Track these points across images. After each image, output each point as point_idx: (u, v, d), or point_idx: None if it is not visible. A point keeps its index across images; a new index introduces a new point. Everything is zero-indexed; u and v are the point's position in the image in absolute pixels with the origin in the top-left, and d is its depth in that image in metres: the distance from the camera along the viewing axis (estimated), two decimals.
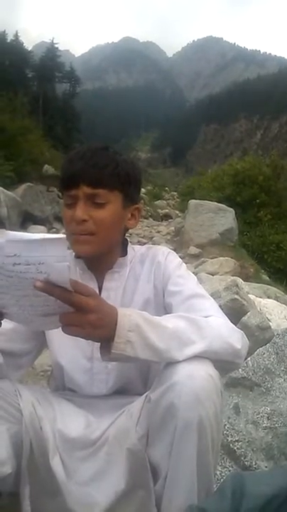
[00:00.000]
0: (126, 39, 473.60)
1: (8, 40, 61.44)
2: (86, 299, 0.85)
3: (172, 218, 16.68)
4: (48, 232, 10.33)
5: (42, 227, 10.27)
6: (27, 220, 10.81)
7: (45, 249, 0.76)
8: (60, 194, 14.26)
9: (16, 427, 1.12)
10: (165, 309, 1.20)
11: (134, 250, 1.30)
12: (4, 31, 62.98)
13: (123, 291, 1.25)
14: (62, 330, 0.87)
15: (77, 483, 1.11)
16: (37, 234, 0.77)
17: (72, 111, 53.50)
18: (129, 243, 1.31)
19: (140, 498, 1.08)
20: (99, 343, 0.95)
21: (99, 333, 0.89)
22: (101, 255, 1.19)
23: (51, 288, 0.80)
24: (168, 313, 1.16)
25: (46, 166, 14.71)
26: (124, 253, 1.28)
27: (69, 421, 1.17)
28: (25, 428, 1.12)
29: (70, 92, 59.45)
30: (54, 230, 11.26)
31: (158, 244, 8.76)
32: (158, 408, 0.98)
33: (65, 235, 0.77)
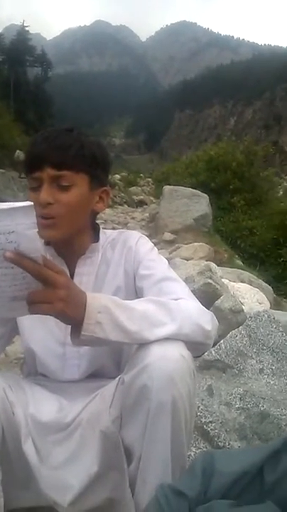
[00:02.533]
0: (99, 22, 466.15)
1: None
2: (56, 275, 0.84)
3: (147, 204, 16.66)
4: None
5: None
6: None
7: (14, 218, 0.75)
8: None
9: None
10: (137, 293, 1.20)
11: (106, 235, 1.29)
12: None
13: (96, 277, 1.24)
14: (29, 311, 0.85)
15: (50, 467, 1.11)
16: (4, 203, 0.76)
17: (43, 95, 52.58)
18: (101, 228, 1.30)
19: (113, 479, 1.09)
20: (70, 329, 0.95)
21: (68, 311, 0.87)
22: (70, 240, 1.18)
23: (21, 259, 0.78)
24: (139, 298, 1.17)
25: (18, 151, 14.45)
26: (96, 239, 1.26)
27: (41, 405, 1.16)
28: None
29: (42, 77, 58.38)
30: None
31: (133, 230, 8.78)
32: (131, 390, 0.98)
33: (32, 203, 0.76)
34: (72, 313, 0.89)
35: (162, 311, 1.00)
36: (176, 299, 1.07)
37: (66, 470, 1.10)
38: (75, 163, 1.12)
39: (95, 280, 1.23)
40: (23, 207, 0.75)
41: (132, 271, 1.22)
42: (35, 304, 0.84)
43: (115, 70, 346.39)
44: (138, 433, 0.99)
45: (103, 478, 1.09)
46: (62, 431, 1.14)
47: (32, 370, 1.30)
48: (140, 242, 1.26)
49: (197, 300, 1.14)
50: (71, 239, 1.17)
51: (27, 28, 62.61)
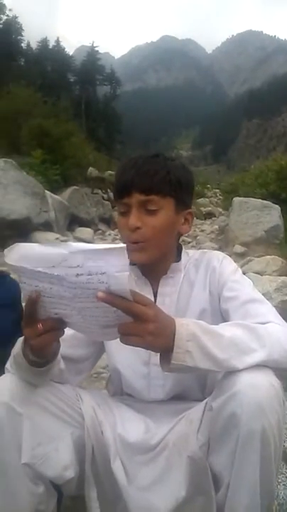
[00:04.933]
0: (165, 38, 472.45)
1: (50, 47, 62.72)
2: (145, 309, 0.86)
3: (215, 216, 16.52)
4: (94, 233, 10.49)
5: (88, 229, 10.43)
6: (73, 223, 11.01)
7: (107, 259, 0.77)
8: (104, 196, 14.49)
9: (78, 432, 1.15)
10: (222, 316, 1.20)
11: (188, 255, 1.31)
12: (45, 38, 64.37)
13: (178, 297, 1.25)
14: (121, 340, 0.88)
15: (137, 487, 1.13)
16: (98, 244, 0.79)
17: (112, 113, 53.96)
18: (183, 248, 1.32)
19: (201, 505, 1.09)
20: (160, 355, 0.96)
21: (157, 343, 0.89)
22: (156, 261, 1.21)
23: (112, 298, 0.81)
24: (224, 320, 1.16)
25: (90, 168, 14.94)
26: (178, 258, 1.28)
27: (128, 426, 1.19)
28: (87, 433, 1.15)
29: (111, 94, 59.98)
30: (99, 231, 11.43)
31: (203, 243, 8.71)
32: (220, 417, 0.98)
33: (125, 245, 0.78)
34: (161, 345, 0.90)
35: (250, 336, 0.99)
36: (264, 323, 1.06)
37: (153, 492, 1.11)
38: (162, 188, 1.15)
39: (177, 301, 1.25)
40: (116, 249, 0.77)
41: (217, 293, 1.22)
42: (125, 336, 0.87)
43: (181, 83, 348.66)
44: (227, 460, 0.98)
45: (190, 504, 1.09)
46: (149, 452, 1.16)
47: (118, 390, 1.33)
48: (224, 263, 1.26)
49: (284, 321, 1.12)
50: (156, 260, 1.20)
51: (96, 49, 64.91)
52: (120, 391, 1.33)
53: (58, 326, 0.92)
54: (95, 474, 1.17)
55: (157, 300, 1.23)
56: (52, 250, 0.80)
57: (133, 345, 0.88)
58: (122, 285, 0.80)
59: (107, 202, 14.39)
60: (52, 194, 10.20)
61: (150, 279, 1.26)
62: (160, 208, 1.16)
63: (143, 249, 1.16)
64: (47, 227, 9.02)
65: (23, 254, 0.82)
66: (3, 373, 1.15)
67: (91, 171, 14.85)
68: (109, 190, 14.95)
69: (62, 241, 8.47)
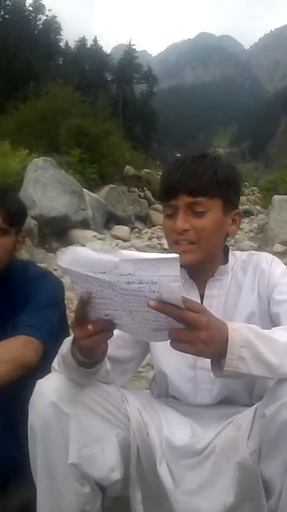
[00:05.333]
0: (202, 34, 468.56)
1: (88, 46, 63.39)
2: (197, 316, 0.84)
3: (253, 215, 16.25)
4: (131, 231, 10.52)
5: (125, 228, 10.48)
6: (110, 221, 11.09)
7: (158, 269, 0.76)
8: (140, 194, 14.53)
9: (124, 433, 1.14)
10: (271, 319, 1.17)
11: (235, 257, 1.28)
12: (83, 37, 65.12)
13: (226, 299, 1.23)
14: (171, 345, 0.86)
15: (183, 491, 1.11)
16: (150, 253, 0.77)
17: (149, 111, 53.98)
18: (230, 250, 1.29)
19: None
20: (211, 361, 0.94)
21: (209, 350, 0.87)
22: (203, 263, 1.18)
23: (163, 306, 0.79)
24: (274, 324, 1.13)
25: (127, 167, 15.00)
26: (225, 260, 1.26)
27: (175, 429, 1.17)
28: (132, 434, 1.14)
29: (148, 92, 60.03)
30: (136, 229, 11.46)
31: (241, 242, 8.58)
32: (274, 424, 0.95)
33: (177, 255, 0.76)
34: (213, 352, 0.88)
35: None
36: None
37: (200, 497, 1.10)
38: (209, 189, 1.13)
39: (225, 303, 1.22)
40: (168, 259, 0.75)
41: (266, 295, 1.19)
42: (176, 342, 0.85)
43: (219, 80, 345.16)
44: (280, 468, 0.96)
45: (238, 510, 1.06)
46: (195, 456, 1.14)
47: (163, 392, 1.32)
48: (273, 265, 1.22)
49: None
50: (204, 262, 1.18)
51: (133, 47, 65.12)
52: (165, 393, 1.31)
53: (108, 327, 0.91)
54: (140, 476, 1.16)
55: (203, 302, 1.21)
56: (104, 257, 0.79)
57: (184, 352, 0.86)
58: (174, 294, 0.79)
59: (144, 200, 14.43)
60: (90, 192, 10.31)
61: (196, 281, 1.24)
62: (207, 210, 1.14)
63: (191, 252, 1.14)
64: (84, 225, 9.13)
65: (75, 258, 0.82)
66: (50, 372, 1.15)
67: (128, 169, 14.91)
68: (145, 188, 14.99)
69: (99, 239, 8.55)
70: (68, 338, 1.06)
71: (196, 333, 0.83)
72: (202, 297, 1.23)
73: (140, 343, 1.26)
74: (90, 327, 0.89)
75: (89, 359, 1.00)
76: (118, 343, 1.19)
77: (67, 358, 1.03)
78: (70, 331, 1.66)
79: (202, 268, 1.21)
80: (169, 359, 1.24)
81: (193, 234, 1.13)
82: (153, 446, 1.14)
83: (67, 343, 1.05)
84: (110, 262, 0.78)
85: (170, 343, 0.86)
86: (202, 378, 1.20)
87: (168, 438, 1.15)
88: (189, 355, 1.10)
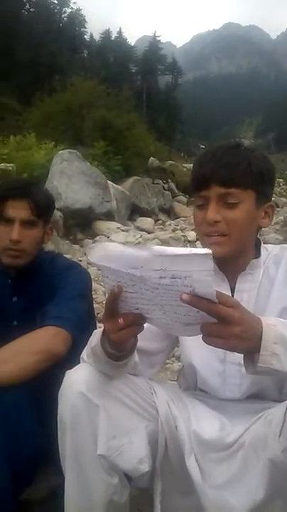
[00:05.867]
0: (228, 25, 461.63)
1: (113, 38, 63.26)
2: (230, 311, 0.82)
3: (279, 207, 16.01)
4: (155, 223, 10.50)
5: (149, 219, 10.47)
6: (134, 213, 11.10)
7: (191, 264, 0.75)
8: (164, 186, 14.47)
9: (152, 425, 1.14)
10: None
11: (267, 250, 1.25)
12: (108, 29, 65.01)
13: (257, 294, 1.20)
14: (203, 340, 0.84)
15: (212, 485, 1.10)
16: (181, 248, 0.76)
17: (174, 102, 53.62)
18: (262, 243, 1.26)
19: (279, 509, 1.05)
20: (244, 356, 0.92)
21: (242, 346, 0.85)
22: (234, 256, 1.16)
23: (197, 300, 0.78)
24: None
25: (151, 158, 14.96)
26: (258, 254, 1.23)
27: (203, 422, 1.16)
28: (161, 427, 1.14)
29: (172, 84, 59.63)
30: (160, 221, 11.44)
31: (267, 235, 8.47)
32: None
33: (210, 251, 0.74)
34: (245, 347, 0.86)
35: None
36: None
37: (229, 491, 1.08)
38: (243, 180, 1.10)
39: (256, 298, 1.20)
40: (200, 255, 0.74)
41: None
42: (209, 337, 0.84)
43: (244, 70, 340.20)
44: None
45: (268, 507, 1.04)
46: (224, 450, 1.12)
47: (191, 385, 1.31)
48: None
49: None
50: (235, 255, 1.16)
51: (158, 38, 64.68)
52: (194, 387, 1.30)
53: (139, 321, 0.90)
54: (167, 469, 1.16)
55: (234, 296, 1.18)
56: (135, 252, 0.79)
57: (216, 347, 0.84)
58: (208, 288, 0.78)
59: (167, 192, 14.37)
60: (114, 184, 10.32)
61: (227, 274, 1.21)
62: (240, 201, 1.11)
63: (222, 244, 1.11)
64: (108, 216, 9.16)
65: (106, 253, 0.82)
66: (77, 362, 1.16)
67: (153, 161, 14.87)
68: (169, 180, 14.92)
69: (123, 230, 8.57)
70: (98, 330, 1.06)
71: (229, 327, 0.82)
72: (232, 291, 1.21)
73: (169, 335, 1.25)
74: (121, 321, 0.89)
75: (119, 352, 0.99)
76: (146, 335, 1.17)
77: (96, 350, 1.03)
78: (97, 322, 1.68)
79: (233, 261, 1.18)
80: (198, 353, 1.23)
81: (224, 226, 1.11)
82: (182, 439, 1.14)
83: (96, 335, 1.05)
84: (141, 257, 0.78)
85: (202, 337, 0.84)
86: (232, 372, 1.19)
87: (196, 431, 1.14)
88: (219, 349, 1.09)
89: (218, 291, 0.80)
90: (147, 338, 1.19)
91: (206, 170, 1.11)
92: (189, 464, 1.12)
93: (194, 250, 0.74)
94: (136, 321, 0.90)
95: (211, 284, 0.77)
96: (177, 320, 0.86)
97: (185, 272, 0.76)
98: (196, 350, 1.23)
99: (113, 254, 0.81)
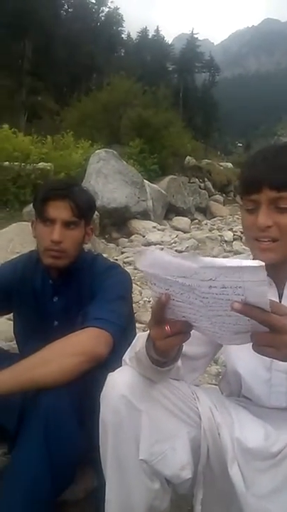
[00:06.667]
0: (267, 21, 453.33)
1: (150, 36, 63.28)
2: (283, 320, 0.78)
3: None
4: (191, 222, 10.43)
5: (185, 219, 10.39)
6: (170, 212, 11.06)
7: (242, 276, 0.72)
8: (200, 185, 14.36)
9: (195, 431, 1.12)
10: None
11: None
12: (145, 28, 65.06)
13: None
14: (253, 349, 0.82)
15: (254, 494, 1.07)
16: (231, 260, 0.73)
17: (211, 100, 53.16)
18: None
19: None
20: None
21: None
22: (284, 262, 1.12)
23: (249, 309, 0.75)
24: None
25: (188, 157, 14.86)
26: None
27: (247, 430, 1.13)
28: (203, 434, 1.12)
29: (209, 82, 59.14)
30: (196, 220, 11.35)
31: None
32: None
33: (263, 263, 0.71)
34: None
35: None
36: None
37: (272, 501, 1.05)
38: None
39: None
40: (252, 267, 0.71)
41: None
42: (259, 346, 0.81)
43: (284, 67, 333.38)
44: None
45: None
46: (269, 460, 1.09)
47: (235, 392, 1.28)
48: None
49: None
50: (285, 260, 1.12)
51: (196, 36, 64.26)
52: (237, 393, 1.27)
53: (186, 328, 0.88)
54: (208, 476, 1.14)
55: (282, 302, 1.15)
56: (183, 262, 0.76)
57: (267, 356, 0.81)
58: (261, 298, 0.75)
59: (204, 191, 14.25)
60: (150, 183, 10.30)
61: (275, 279, 1.17)
62: None
63: (273, 250, 1.07)
64: (144, 215, 9.16)
65: (154, 262, 0.80)
66: (117, 364, 1.15)
67: (189, 159, 14.77)
68: (205, 179, 14.79)
69: (158, 230, 8.55)
70: (141, 334, 1.05)
71: (281, 336, 0.78)
72: (280, 297, 1.17)
73: (212, 340, 1.22)
74: (167, 328, 0.87)
75: (164, 358, 0.98)
76: (189, 339, 1.16)
77: (140, 355, 1.01)
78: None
79: (280, 266, 1.14)
80: (244, 360, 1.20)
81: (276, 231, 1.06)
82: (225, 447, 1.11)
83: (140, 339, 1.03)
84: (190, 268, 0.76)
85: (253, 346, 0.81)
86: (278, 381, 1.15)
87: (239, 439, 1.11)
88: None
89: (271, 300, 0.77)
90: (189, 342, 1.14)
91: (257, 173, 1.07)
92: (232, 472, 1.09)
93: (244, 262, 0.71)
94: (183, 329, 0.88)
95: (265, 294, 0.74)
96: (225, 329, 0.84)
97: (236, 283, 0.73)
98: (241, 357, 1.20)
99: (161, 262, 0.79)
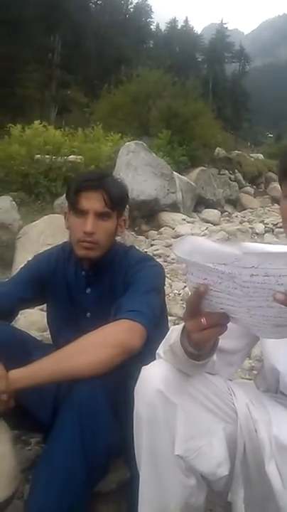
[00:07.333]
0: None
1: (179, 27, 62.71)
2: None
3: None
4: (221, 215, 10.32)
5: (215, 211, 10.29)
6: (200, 204, 10.95)
7: None
8: (231, 177, 14.15)
9: (231, 428, 1.09)
10: None
11: None
12: (174, 18, 64.45)
13: None
14: None
15: None
16: (274, 246, 0.70)
17: (240, 90, 52.34)
18: None
19: None
20: None
21: None
22: None
23: None
24: None
25: (217, 148, 14.66)
26: None
27: (285, 427, 1.10)
28: (240, 430, 1.09)
29: (239, 72, 58.24)
30: (226, 213, 11.22)
31: None
32: None
33: None
34: None
35: None
36: None
37: None
38: None
39: None
40: None
41: None
42: None
43: None
44: None
45: None
46: None
47: (272, 388, 1.24)
48: None
49: None
50: None
51: (225, 25, 63.33)
52: (274, 390, 1.23)
53: (223, 321, 0.85)
54: (245, 474, 1.11)
55: None
56: (224, 249, 0.74)
57: None
58: None
59: (234, 183, 14.04)
60: (179, 175, 10.22)
61: None
62: None
63: None
64: (174, 208, 9.10)
65: (193, 248, 0.77)
66: (150, 357, 1.13)
67: (219, 151, 14.56)
68: (236, 170, 14.57)
69: (188, 222, 8.48)
70: (176, 326, 1.03)
71: None
72: None
73: (248, 334, 1.19)
74: (203, 320, 0.84)
75: (199, 351, 0.95)
76: (225, 333, 1.13)
77: (175, 348, 0.99)
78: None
79: None
80: (281, 355, 1.16)
81: None
82: (262, 444, 1.08)
83: (175, 332, 1.01)
84: (232, 254, 0.72)
85: None
86: None
87: (277, 437, 1.08)
88: None
89: None
90: (226, 335, 1.12)
91: None
92: (269, 470, 1.06)
93: None
94: (220, 321, 0.85)
95: None
96: (265, 322, 0.80)
97: (280, 270, 0.70)
98: (279, 352, 1.16)
99: (201, 249, 0.76)
